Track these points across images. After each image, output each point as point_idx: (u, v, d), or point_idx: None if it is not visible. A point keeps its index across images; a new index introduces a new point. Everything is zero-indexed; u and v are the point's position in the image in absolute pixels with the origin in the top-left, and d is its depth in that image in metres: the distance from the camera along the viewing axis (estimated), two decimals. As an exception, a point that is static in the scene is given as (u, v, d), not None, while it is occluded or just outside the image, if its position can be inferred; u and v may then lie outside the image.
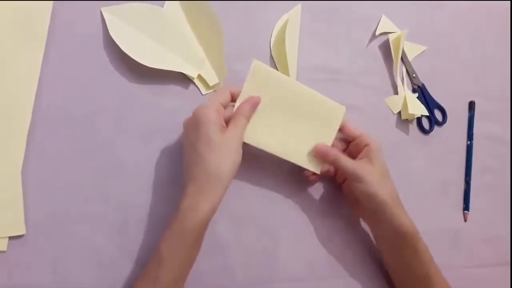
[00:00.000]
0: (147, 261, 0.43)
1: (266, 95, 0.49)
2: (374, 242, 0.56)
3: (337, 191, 0.58)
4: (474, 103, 0.69)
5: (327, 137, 0.53)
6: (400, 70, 0.66)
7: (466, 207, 0.65)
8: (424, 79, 0.67)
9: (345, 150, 0.56)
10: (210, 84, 0.55)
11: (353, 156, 0.54)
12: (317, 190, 0.57)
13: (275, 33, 0.60)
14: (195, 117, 0.45)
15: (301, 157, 0.52)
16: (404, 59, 0.67)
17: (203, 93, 0.55)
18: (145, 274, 0.43)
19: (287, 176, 0.56)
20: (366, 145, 0.53)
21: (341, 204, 0.58)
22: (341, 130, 0.54)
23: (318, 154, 0.52)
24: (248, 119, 0.48)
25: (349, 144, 0.56)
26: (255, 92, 0.49)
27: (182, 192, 0.44)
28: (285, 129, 0.51)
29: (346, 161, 0.51)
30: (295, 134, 0.51)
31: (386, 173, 0.52)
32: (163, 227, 0.50)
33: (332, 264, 0.56)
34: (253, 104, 0.49)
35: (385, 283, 0.57)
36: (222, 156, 0.44)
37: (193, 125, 0.46)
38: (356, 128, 0.54)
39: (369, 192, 0.50)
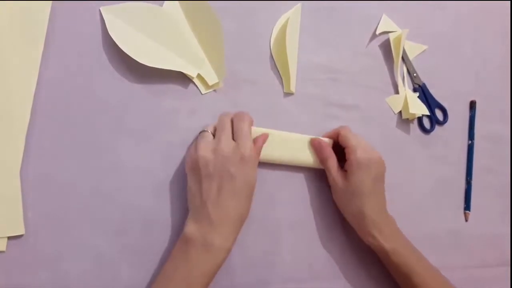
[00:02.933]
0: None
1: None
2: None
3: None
4: (475, 102, 0.69)
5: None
6: (400, 69, 0.66)
7: (467, 207, 0.65)
8: (425, 78, 0.67)
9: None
10: (210, 84, 0.55)
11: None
12: (317, 190, 0.57)
13: (275, 33, 0.60)
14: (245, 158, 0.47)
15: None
16: (404, 58, 0.66)
17: (202, 93, 0.55)
18: None
19: (287, 176, 0.56)
20: (347, 159, 0.53)
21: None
22: (336, 137, 0.56)
23: (316, 147, 0.55)
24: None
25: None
26: None
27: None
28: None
29: (330, 166, 0.54)
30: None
31: (356, 192, 0.52)
32: (162, 227, 0.50)
33: (332, 264, 0.56)
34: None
35: (385, 283, 0.57)
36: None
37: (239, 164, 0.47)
38: (348, 138, 0.54)
39: (337, 204, 0.55)
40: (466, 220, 0.65)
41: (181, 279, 0.43)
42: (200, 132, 0.50)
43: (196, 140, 0.50)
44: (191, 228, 0.45)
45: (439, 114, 0.67)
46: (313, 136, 0.56)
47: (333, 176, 0.53)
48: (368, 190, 0.52)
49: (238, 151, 0.47)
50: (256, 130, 0.55)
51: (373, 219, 0.52)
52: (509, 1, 0.77)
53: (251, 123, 0.51)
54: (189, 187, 0.48)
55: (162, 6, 0.55)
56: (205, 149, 0.47)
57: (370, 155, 0.52)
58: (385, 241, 0.51)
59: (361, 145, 0.53)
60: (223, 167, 0.46)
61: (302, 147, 0.56)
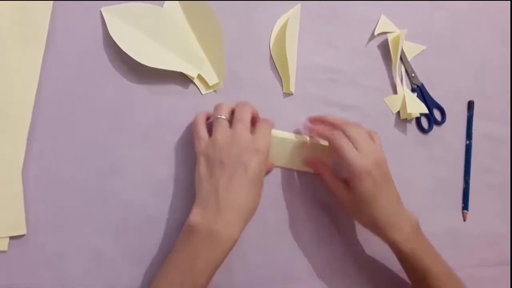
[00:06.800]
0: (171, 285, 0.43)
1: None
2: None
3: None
4: (473, 102, 0.69)
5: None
6: (399, 69, 0.66)
7: (465, 206, 0.65)
8: (423, 78, 0.67)
9: None
10: (210, 84, 0.55)
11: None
12: (317, 190, 0.58)
13: (275, 33, 0.60)
14: (261, 149, 0.47)
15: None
16: (403, 58, 0.67)
17: (203, 93, 0.55)
18: None
19: (288, 176, 0.56)
20: (347, 169, 0.50)
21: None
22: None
23: (309, 166, 0.56)
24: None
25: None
26: None
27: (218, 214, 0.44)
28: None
29: (329, 181, 0.54)
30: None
31: (365, 201, 0.50)
32: (163, 227, 0.50)
33: (332, 264, 0.56)
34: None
35: (384, 283, 0.57)
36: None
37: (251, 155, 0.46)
38: (341, 150, 0.50)
39: (349, 215, 0.56)
40: (465, 220, 0.65)
41: (185, 269, 0.43)
42: (217, 118, 0.49)
43: (195, 122, 0.50)
44: (196, 216, 0.44)
45: (437, 114, 0.67)
46: (309, 137, 0.57)
47: (334, 190, 0.53)
48: (375, 195, 0.50)
49: (256, 145, 0.46)
50: None
51: (388, 220, 0.50)
52: (509, 1, 0.77)
53: (272, 126, 0.51)
54: (199, 172, 0.47)
55: (162, 6, 0.55)
56: (222, 137, 0.47)
57: (367, 160, 0.50)
58: (404, 242, 0.50)
59: (355, 153, 0.50)
60: (239, 157, 0.45)
61: (299, 151, 0.56)
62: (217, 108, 0.50)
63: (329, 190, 0.54)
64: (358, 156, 0.50)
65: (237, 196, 0.45)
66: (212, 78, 0.55)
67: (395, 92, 0.65)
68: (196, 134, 0.49)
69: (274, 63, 0.59)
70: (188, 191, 0.52)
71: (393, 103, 0.65)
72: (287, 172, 0.56)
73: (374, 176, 0.50)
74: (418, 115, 0.65)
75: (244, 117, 0.49)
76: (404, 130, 0.65)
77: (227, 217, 0.44)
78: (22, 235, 0.45)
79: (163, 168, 0.52)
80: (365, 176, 0.49)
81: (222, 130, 0.47)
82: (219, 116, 0.49)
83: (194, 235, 0.43)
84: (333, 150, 0.52)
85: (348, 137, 0.51)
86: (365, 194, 0.50)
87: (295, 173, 0.57)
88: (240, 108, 0.50)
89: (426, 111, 0.64)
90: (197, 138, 0.49)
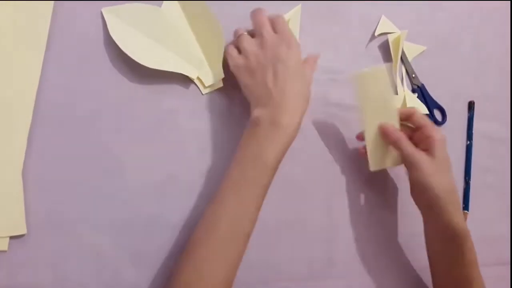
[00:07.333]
0: (243, 167, 0.47)
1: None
2: (424, 235, 0.55)
3: (337, 190, 0.58)
4: (474, 103, 0.69)
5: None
6: (399, 70, 0.66)
7: (465, 207, 0.65)
8: (423, 79, 0.67)
9: (411, 138, 0.55)
10: (207, 84, 0.55)
11: (416, 145, 0.54)
12: (317, 190, 0.58)
13: (275, 33, 0.60)
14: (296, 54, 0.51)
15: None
16: (403, 59, 0.67)
17: (203, 93, 0.55)
18: (248, 180, 0.46)
19: (287, 175, 0.56)
20: (428, 137, 0.52)
21: (341, 203, 0.58)
22: (409, 117, 0.55)
23: (383, 133, 0.54)
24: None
25: (415, 132, 0.55)
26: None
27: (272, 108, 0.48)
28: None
29: (407, 145, 0.52)
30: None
31: (445, 168, 0.52)
32: (163, 227, 0.50)
33: (332, 264, 0.56)
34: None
35: (385, 283, 0.57)
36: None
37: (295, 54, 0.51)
38: (423, 118, 0.54)
39: (423, 183, 0.51)
40: (465, 220, 0.65)
41: (255, 152, 0.47)
42: (239, 36, 0.53)
43: (228, 48, 0.53)
44: (257, 112, 0.48)
45: (437, 115, 0.67)
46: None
47: (415, 154, 0.52)
48: (450, 167, 0.52)
49: (284, 39, 0.50)
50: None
51: (458, 197, 0.52)
52: (509, 1, 0.77)
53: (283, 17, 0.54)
54: (245, 84, 0.51)
55: (160, 6, 0.55)
56: (251, 45, 0.51)
57: (442, 136, 0.53)
58: (464, 223, 0.51)
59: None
60: (273, 55, 0.49)
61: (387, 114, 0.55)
62: (235, 33, 0.54)
63: (407, 156, 0.52)
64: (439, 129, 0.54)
65: (287, 89, 0.48)
66: (210, 79, 0.55)
67: (395, 92, 0.65)
68: (226, 53, 0.53)
69: (274, 63, 0.59)
70: (188, 191, 0.52)
71: (394, 104, 0.64)
72: (286, 172, 0.56)
73: (446, 150, 0.53)
74: (419, 116, 0.65)
75: (265, 22, 0.52)
76: (404, 131, 0.65)
77: (285, 107, 0.47)
78: (22, 235, 0.45)
79: (163, 168, 0.52)
80: (444, 145, 0.53)
81: (248, 42, 0.51)
82: (240, 34, 0.53)
83: (260, 127, 0.47)
84: (416, 120, 0.55)
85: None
86: (447, 161, 0.52)
87: (294, 174, 0.57)
88: (257, 14, 0.53)
89: (426, 111, 0.64)
90: (229, 56, 0.52)
